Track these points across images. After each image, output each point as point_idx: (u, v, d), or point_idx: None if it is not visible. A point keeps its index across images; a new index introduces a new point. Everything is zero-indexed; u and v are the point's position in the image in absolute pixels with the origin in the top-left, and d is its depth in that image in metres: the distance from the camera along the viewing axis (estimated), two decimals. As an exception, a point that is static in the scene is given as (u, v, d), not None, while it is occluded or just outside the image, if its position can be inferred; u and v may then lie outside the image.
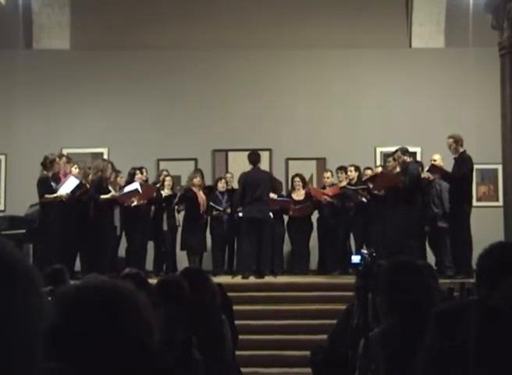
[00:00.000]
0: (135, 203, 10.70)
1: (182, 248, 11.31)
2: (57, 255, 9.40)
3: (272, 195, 11.31)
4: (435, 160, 10.29)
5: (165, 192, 11.33)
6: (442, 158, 10.39)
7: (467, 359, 1.37)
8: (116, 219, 10.61)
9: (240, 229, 10.91)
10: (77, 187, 10.13)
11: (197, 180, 11.39)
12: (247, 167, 10.78)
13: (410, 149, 10.93)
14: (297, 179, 11.75)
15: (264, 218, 10.52)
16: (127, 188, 10.65)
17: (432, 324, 2.56)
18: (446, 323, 2.54)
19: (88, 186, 10.40)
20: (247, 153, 11.85)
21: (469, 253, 9.43)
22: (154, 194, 11.15)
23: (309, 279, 10.65)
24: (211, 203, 11.44)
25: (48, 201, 9.89)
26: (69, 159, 10.92)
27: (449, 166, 10.17)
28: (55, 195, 9.88)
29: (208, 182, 12.21)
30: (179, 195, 11.26)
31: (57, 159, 10.26)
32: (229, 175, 12.19)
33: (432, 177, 10.45)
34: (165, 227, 11.16)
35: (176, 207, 11.34)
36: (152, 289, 4.08)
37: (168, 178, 11.49)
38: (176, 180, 12.00)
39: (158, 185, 11.48)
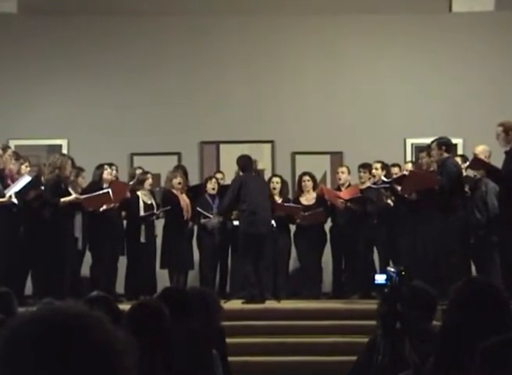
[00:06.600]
0: (103, 207, 10.68)
1: (162, 266, 11.31)
2: (1, 274, 9.37)
3: (276, 199, 11.34)
4: (476, 155, 10.25)
5: (143, 193, 11.30)
6: (490, 151, 10.33)
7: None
8: (77, 229, 10.59)
9: (236, 243, 10.93)
10: (29, 184, 10.07)
11: (177, 181, 11.40)
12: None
13: (450, 141, 10.92)
14: (307, 178, 11.75)
15: (269, 231, 10.60)
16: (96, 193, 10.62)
17: (478, 362, 2.56)
18: (493, 361, 2.54)
19: (42, 188, 10.38)
20: (242, 146, 11.88)
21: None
22: (128, 194, 11.14)
23: (321, 304, 10.67)
24: (199, 208, 11.44)
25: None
26: (18, 155, 10.79)
27: (498, 162, 10.12)
28: None
29: (195, 182, 12.21)
30: (162, 210, 11.23)
31: (0, 152, 10.18)
32: (220, 175, 12.19)
33: (476, 175, 10.43)
34: (142, 239, 11.14)
35: (157, 213, 11.33)
36: (123, 318, 4.07)
37: (148, 175, 11.45)
38: (155, 179, 12.00)
39: (131, 183, 11.48)
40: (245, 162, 10.90)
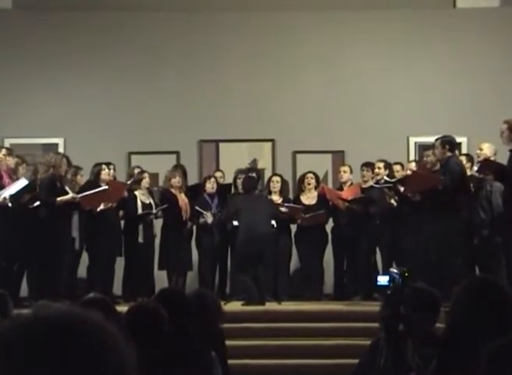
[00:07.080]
0: (101, 207, 10.67)
1: (160, 267, 11.30)
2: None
3: (276, 198, 11.33)
4: (481, 149, 10.25)
5: (141, 192, 11.30)
6: (495, 150, 10.31)
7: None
8: (74, 229, 10.57)
9: (234, 243, 10.94)
10: (25, 188, 10.08)
11: (176, 180, 11.39)
12: (243, 163, 10.80)
13: (453, 139, 10.91)
14: (311, 175, 11.73)
15: (267, 246, 10.61)
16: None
17: (484, 364, 2.55)
18: (500, 363, 2.53)
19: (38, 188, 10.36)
20: (242, 145, 11.87)
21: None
22: (125, 193, 11.13)
23: (323, 306, 10.66)
24: (197, 207, 11.43)
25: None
26: (11, 151, 10.78)
27: (502, 161, 10.12)
28: None
29: (194, 181, 12.21)
30: (160, 208, 11.23)
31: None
32: (219, 174, 12.18)
33: (481, 176, 10.41)
34: (140, 239, 11.13)
35: (155, 213, 11.34)
36: (121, 320, 4.06)
37: (145, 175, 11.46)
38: (153, 179, 11.98)
39: (129, 182, 11.47)
40: (248, 184, 10.96)
